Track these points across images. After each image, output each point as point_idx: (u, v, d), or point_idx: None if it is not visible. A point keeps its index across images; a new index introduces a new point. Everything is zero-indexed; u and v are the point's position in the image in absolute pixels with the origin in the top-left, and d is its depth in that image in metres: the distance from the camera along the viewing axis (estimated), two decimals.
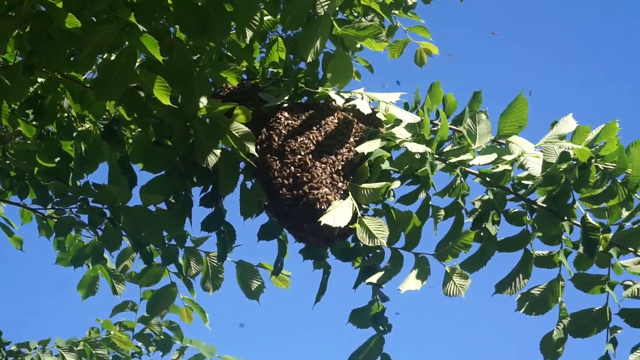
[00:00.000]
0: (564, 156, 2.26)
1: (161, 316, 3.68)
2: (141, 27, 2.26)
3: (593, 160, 2.27)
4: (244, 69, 2.77)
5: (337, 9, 2.95)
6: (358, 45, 2.55)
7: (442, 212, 2.43)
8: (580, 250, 2.28)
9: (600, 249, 2.25)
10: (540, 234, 2.39)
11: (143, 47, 2.29)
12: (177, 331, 3.85)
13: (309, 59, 2.48)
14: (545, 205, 2.38)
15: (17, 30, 2.45)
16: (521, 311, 2.38)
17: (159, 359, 4.18)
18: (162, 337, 3.90)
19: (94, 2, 2.42)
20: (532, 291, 2.38)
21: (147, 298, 3.30)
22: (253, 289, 3.00)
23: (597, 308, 2.32)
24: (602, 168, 2.31)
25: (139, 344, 4.07)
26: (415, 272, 2.39)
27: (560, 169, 2.29)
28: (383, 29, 2.91)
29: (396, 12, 3.19)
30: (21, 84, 2.45)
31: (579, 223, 2.32)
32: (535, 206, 2.39)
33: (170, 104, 2.33)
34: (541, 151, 2.33)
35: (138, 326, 3.98)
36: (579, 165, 2.27)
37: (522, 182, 2.38)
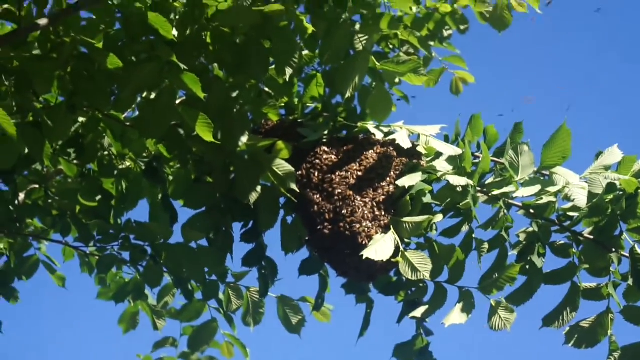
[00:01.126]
0: (611, 187, 2.23)
1: (202, 351, 3.66)
2: (182, 65, 2.28)
3: None
4: (283, 104, 2.78)
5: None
6: (397, 80, 2.55)
7: (486, 245, 2.40)
8: (630, 282, 2.24)
9: None
10: (588, 266, 2.35)
11: (184, 84, 2.32)
12: None
13: (348, 94, 2.49)
14: (591, 237, 2.34)
15: (59, 71, 2.49)
16: (570, 344, 2.34)
17: None
18: None
19: (135, 42, 2.46)
20: (581, 324, 2.34)
21: (188, 334, 3.30)
22: (294, 323, 2.99)
23: None
24: None
25: None
26: (459, 305, 2.36)
27: (607, 200, 2.26)
28: (418, 59, 2.92)
29: (432, 42, 3.19)
30: (63, 124, 2.48)
31: (627, 254, 2.28)
32: (581, 238, 2.35)
33: (213, 140, 2.34)
34: (586, 182, 2.30)
35: None
36: (626, 195, 2.24)
37: (568, 213, 2.35)
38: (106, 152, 2.93)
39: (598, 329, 2.32)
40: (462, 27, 3.06)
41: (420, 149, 2.51)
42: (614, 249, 2.31)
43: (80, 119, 2.78)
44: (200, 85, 2.29)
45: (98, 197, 2.89)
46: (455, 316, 2.34)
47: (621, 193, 2.25)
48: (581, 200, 2.28)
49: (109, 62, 2.34)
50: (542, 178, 2.41)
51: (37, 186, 3.11)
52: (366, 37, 2.51)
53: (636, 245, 2.26)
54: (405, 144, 2.45)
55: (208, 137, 2.33)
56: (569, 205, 2.34)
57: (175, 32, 2.46)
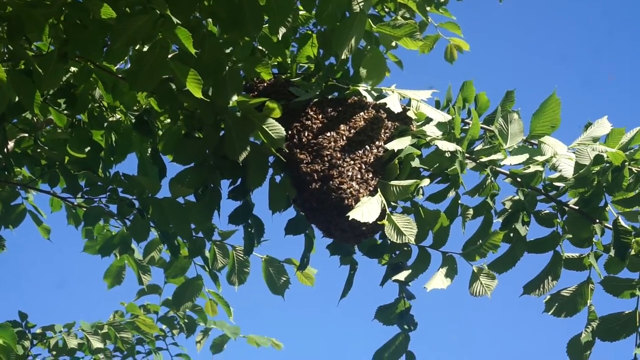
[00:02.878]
0: (598, 159, 2.24)
1: (185, 309, 3.69)
2: (175, 20, 2.27)
3: (627, 164, 2.25)
4: (276, 63, 2.77)
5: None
6: (393, 44, 2.54)
7: (471, 212, 2.41)
8: (612, 253, 2.25)
9: (632, 252, 2.23)
10: (571, 236, 2.37)
11: (177, 39, 2.30)
12: (201, 314, 3.87)
13: (344, 56, 2.48)
14: (576, 208, 2.36)
15: (52, 19, 2.47)
16: (549, 313, 2.36)
17: (183, 341, 4.21)
18: (186, 320, 3.93)
19: None
20: (561, 293, 2.36)
21: (171, 281, 3.32)
22: (278, 284, 3.01)
23: (627, 312, 2.30)
24: (635, 171, 2.28)
25: (163, 326, 4.10)
26: (442, 270, 2.38)
27: (593, 171, 2.27)
28: (415, 23, 2.91)
29: (428, 8, 3.17)
30: (54, 72, 2.47)
31: (611, 226, 2.29)
32: (566, 208, 2.37)
33: (202, 97, 2.33)
34: (574, 153, 2.31)
35: (162, 309, 4.01)
36: (612, 168, 2.25)
37: (554, 183, 2.36)
38: (97, 104, 2.92)
39: (578, 298, 2.34)
40: None
41: (410, 113, 2.51)
42: (597, 220, 2.33)
43: (72, 69, 2.76)
44: (191, 41, 2.28)
45: (87, 149, 2.88)
46: (437, 281, 2.36)
47: (608, 165, 2.26)
48: (568, 170, 2.28)
49: (102, 12, 2.32)
50: (530, 147, 2.41)
51: (26, 135, 3.11)
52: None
53: (620, 217, 2.28)
54: (396, 108, 2.45)
55: (197, 93, 2.32)
56: (555, 175, 2.35)
57: None
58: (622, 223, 2.26)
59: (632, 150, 2.27)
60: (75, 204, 3.30)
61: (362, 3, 2.49)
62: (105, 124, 2.93)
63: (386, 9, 2.98)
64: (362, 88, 2.56)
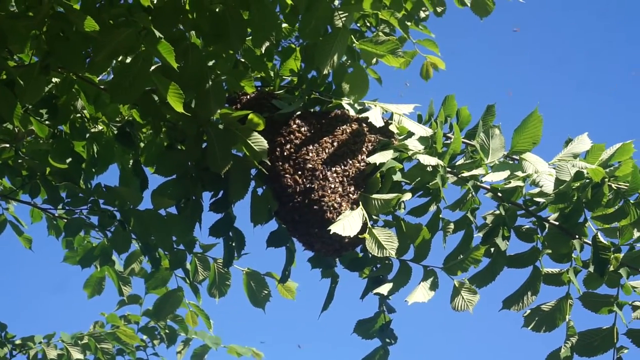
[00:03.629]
0: (578, 175, 2.26)
1: (165, 320, 3.68)
2: (157, 33, 2.27)
3: (606, 180, 2.27)
4: (259, 76, 2.78)
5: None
6: (374, 60, 2.56)
7: (452, 226, 2.42)
8: (591, 269, 2.27)
9: (611, 268, 2.25)
10: (550, 252, 2.38)
11: (159, 53, 2.30)
12: (182, 324, 3.85)
13: (326, 71, 2.49)
14: (556, 223, 2.37)
15: (34, 31, 2.46)
16: (529, 327, 2.38)
17: (164, 352, 4.19)
18: (167, 330, 3.91)
19: (112, 5, 2.44)
20: (541, 308, 2.37)
21: (152, 292, 3.30)
22: (260, 297, 3.01)
23: (605, 328, 2.31)
24: (615, 187, 2.30)
25: (144, 337, 4.08)
26: (423, 284, 2.39)
27: (573, 187, 2.29)
28: (396, 40, 2.92)
29: (408, 23, 3.19)
30: (36, 84, 2.45)
31: (590, 242, 2.31)
32: (546, 223, 2.38)
33: (183, 111, 2.33)
34: (554, 168, 2.33)
35: (143, 319, 4.00)
36: (592, 184, 2.27)
37: (534, 198, 2.38)
38: (79, 115, 2.91)
39: (557, 313, 2.35)
40: (439, 10, 3.06)
41: (392, 127, 2.52)
42: (577, 236, 2.34)
43: (55, 80, 2.75)
44: (173, 55, 2.28)
45: (69, 160, 2.87)
46: (418, 295, 2.37)
47: (588, 181, 2.28)
48: (548, 186, 2.30)
49: (85, 24, 2.32)
50: (511, 162, 2.43)
51: (7, 145, 3.09)
52: (346, 15, 2.51)
53: (599, 233, 2.30)
54: (378, 122, 2.46)
55: (178, 107, 2.32)
56: (536, 190, 2.36)
57: None
58: (601, 239, 2.28)
59: (612, 168, 2.30)
60: (56, 215, 3.28)
61: (344, 18, 2.51)
62: (87, 135, 2.92)
63: (367, 24, 2.99)
64: (345, 102, 2.57)
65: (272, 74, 2.76)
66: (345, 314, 2.85)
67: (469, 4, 3.04)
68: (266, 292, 3.08)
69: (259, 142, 2.43)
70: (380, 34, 2.87)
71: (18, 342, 3.89)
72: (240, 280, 3.05)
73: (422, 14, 3.16)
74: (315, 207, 2.35)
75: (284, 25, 2.75)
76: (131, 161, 2.83)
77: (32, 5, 2.44)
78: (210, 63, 2.56)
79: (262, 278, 3.08)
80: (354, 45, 2.52)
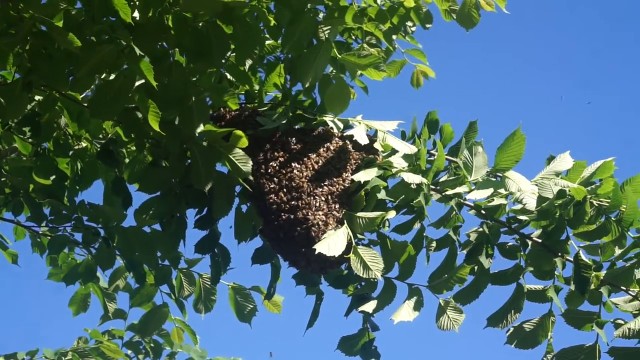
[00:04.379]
0: (561, 194, 2.27)
1: (151, 335, 3.67)
2: (138, 52, 2.26)
3: (588, 198, 2.28)
4: (243, 91, 2.77)
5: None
6: (358, 73, 2.56)
7: (434, 244, 2.43)
8: (572, 287, 2.28)
9: (592, 286, 2.25)
10: (533, 269, 2.39)
11: (139, 70, 2.30)
12: (167, 338, 3.83)
13: (307, 84, 2.49)
14: (539, 240, 2.38)
15: (16, 48, 2.45)
16: (512, 345, 2.38)
17: None
18: (152, 344, 3.89)
19: (95, 22, 2.43)
20: (524, 325, 2.38)
21: (137, 306, 3.29)
22: (245, 312, 3.00)
23: (588, 345, 2.32)
24: (596, 204, 2.31)
25: (129, 352, 4.05)
26: (408, 303, 2.39)
27: (555, 204, 2.29)
28: (380, 51, 2.93)
29: (394, 37, 3.19)
30: (19, 101, 2.45)
31: (572, 259, 2.32)
32: (529, 241, 2.39)
33: (159, 130, 2.32)
34: (537, 186, 2.34)
35: (127, 334, 3.97)
36: (574, 202, 2.27)
37: (517, 216, 2.38)
38: (62, 132, 2.90)
39: (539, 331, 2.36)
40: (427, 25, 3.06)
41: (377, 145, 2.52)
42: (559, 253, 2.35)
43: (37, 97, 2.74)
44: (152, 74, 2.28)
45: (52, 177, 2.86)
46: (404, 313, 2.37)
47: (570, 199, 2.29)
48: (531, 203, 2.31)
49: (67, 41, 2.31)
50: (494, 179, 2.44)
51: None
52: (329, 28, 2.51)
53: (580, 251, 2.30)
54: (363, 140, 2.46)
55: (155, 126, 2.32)
56: (519, 207, 2.37)
57: (137, 14, 2.44)
58: (583, 257, 2.29)
59: (593, 186, 2.30)
60: (40, 232, 3.27)
61: (328, 32, 2.51)
62: (71, 152, 2.91)
63: (353, 36, 2.99)
64: (329, 119, 2.57)
65: (256, 88, 2.76)
66: (330, 330, 2.84)
67: (454, 17, 3.05)
68: (252, 306, 3.07)
69: (242, 159, 2.42)
70: (366, 46, 2.88)
71: (1, 359, 3.86)
72: (226, 294, 3.05)
73: (410, 29, 3.16)
74: (299, 225, 2.35)
75: (268, 41, 2.75)
76: (114, 178, 2.81)
77: (14, 23, 2.43)
78: (194, 79, 2.55)
79: (248, 293, 3.08)
80: (337, 57, 2.52)
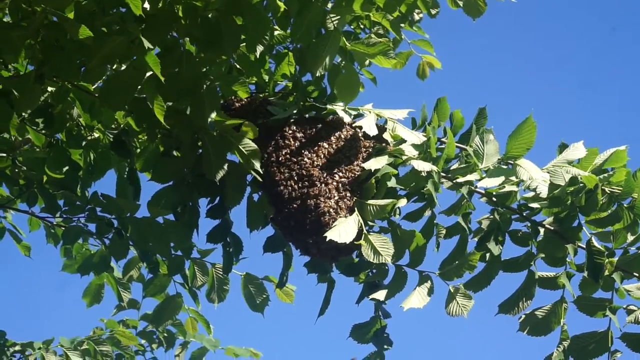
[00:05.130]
0: (573, 181, 2.26)
1: (165, 326, 3.68)
2: (147, 44, 2.27)
3: (600, 185, 2.27)
4: (253, 81, 2.78)
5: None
6: (367, 62, 2.56)
7: (444, 231, 2.43)
8: (585, 274, 2.27)
9: (606, 273, 2.24)
10: (545, 256, 2.38)
11: (146, 63, 2.31)
12: (180, 327, 3.85)
13: (318, 74, 2.49)
14: (551, 227, 2.37)
15: (28, 40, 2.47)
16: (524, 332, 2.38)
17: (162, 355, 4.19)
18: (165, 334, 3.91)
19: (105, 14, 2.44)
20: (536, 312, 2.37)
21: (150, 296, 3.31)
22: (258, 301, 3.01)
23: (600, 331, 2.31)
24: (608, 192, 2.30)
25: (142, 341, 4.08)
26: (419, 289, 2.39)
27: (567, 192, 2.28)
28: (389, 40, 2.92)
29: (402, 25, 3.18)
30: (32, 93, 2.46)
31: (584, 246, 2.31)
32: (540, 228, 2.38)
33: (163, 122, 2.34)
34: (548, 173, 2.33)
35: (141, 324, 3.99)
36: (586, 190, 2.26)
37: (529, 203, 2.38)
38: (75, 123, 2.92)
39: (552, 317, 2.35)
40: (432, 12, 3.05)
41: (386, 135, 2.52)
42: (571, 240, 2.34)
43: (50, 89, 2.76)
44: (159, 67, 2.28)
45: (65, 168, 2.88)
46: (414, 300, 2.37)
47: (581, 186, 2.28)
48: (543, 190, 2.30)
49: (80, 32, 2.32)
50: (505, 167, 2.43)
51: (4, 155, 3.09)
52: (338, 17, 2.51)
53: (593, 238, 2.29)
54: (372, 131, 2.46)
55: (161, 117, 2.34)
56: (530, 194, 2.36)
57: (147, 5, 2.45)
58: (595, 244, 2.28)
59: (606, 175, 2.29)
60: (54, 223, 3.29)
61: (336, 21, 2.51)
62: (84, 143, 2.93)
63: (361, 26, 2.99)
64: (339, 107, 2.57)
65: (266, 79, 2.76)
66: (342, 317, 2.85)
67: (461, 5, 3.04)
68: (264, 296, 3.08)
69: (253, 149, 2.43)
70: (373, 35, 2.87)
71: (17, 348, 3.90)
72: (239, 284, 3.06)
73: (416, 17, 3.15)
74: (310, 213, 2.36)
75: (277, 32, 2.75)
76: (127, 169, 2.83)
77: (26, 15, 2.45)
78: (204, 70, 2.56)
79: (260, 282, 3.08)
80: (346, 46, 2.52)
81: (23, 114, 2.71)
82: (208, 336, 3.78)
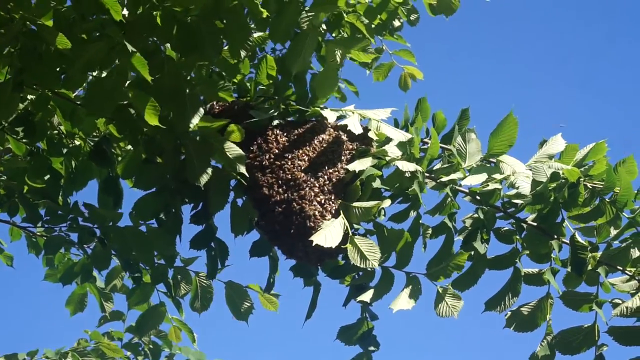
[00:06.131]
0: (554, 176, 2.28)
1: (149, 336, 3.66)
2: (130, 48, 2.26)
3: (582, 180, 2.29)
4: (235, 86, 2.78)
5: (325, 29, 2.97)
6: (338, 57, 2.54)
7: (430, 231, 2.43)
8: (569, 269, 2.29)
9: (589, 267, 2.26)
10: (529, 252, 2.40)
11: (132, 66, 2.30)
12: (166, 339, 3.82)
13: (295, 71, 2.49)
14: (534, 224, 2.39)
15: (7, 48, 2.45)
16: (511, 328, 2.39)
17: None
18: (150, 345, 3.88)
19: (84, 21, 2.43)
20: (522, 309, 2.39)
21: (135, 308, 3.28)
22: (242, 310, 2.99)
23: (586, 326, 2.32)
24: (590, 187, 2.32)
25: (128, 353, 4.04)
26: (406, 291, 2.39)
27: (550, 188, 2.31)
28: (368, 40, 2.94)
29: (383, 33, 3.21)
30: (10, 101, 2.44)
31: (568, 241, 2.33)
32: (524, 224, 2.40)
33: (158, 124, 2.33)
34: (530, 170, 2.35)
35: (126, 336, 3.96)
36: (568, 184, 2.29)
37: (512, 200, 2.39)
38: (56, 131, 2.89)
39: (538, 313, 2.37)
40: (412, 18, 3.08)
41: (371, 134, 2.53)
42: (555, 236, 2.36)
43: (30, 97, 2.74)
44: (147, 69, 2.28)
45: (46, 177, 2.86)
46: (402, 302, 2.37)
47: (564, 181, 2.30)
48: (525, 187, 2.32)
49: (57, 41, 2.31)
50: (488, 165, 2.45)
51: None
52: (312, 14, 2.52)
53: (576, 233, 2.31)
54: (357, 129, 2.47)
55: (154, 121, 2.33)
56: (513, 192, 2.38)
57: (125, 12, 2.44)
58: (579, 239, 2.30)
59: (586, 167, 2.32)
60: (36, 233, 3.26)
61: (312, 18, 2.51)
62: (65, 151, 2.91)
63: (344, 34, 3.00)
64: (322, 109, 2.57)
65: (248, 85, 2.76)
66: (329, 320, 2.85)
67: (434, 4, 3.06)
68: (248, 304, 3.06)
69: (236, 153, 2.43)
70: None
71: (1, 359, 3.85)
72: (222, 292, 3.04)
73: (396, 24, 3.18)
74: (295, 217, 2.35)
75: (256, 34, 2.75)
76: (105, 178, 2.81)
77: (4, 23, 2.43)
78: (186, 74, 2.55)
79: (244, 291, 3.06)
80: (322, 48, 2.53)
81: (3, 122, 2.69)
82: (194, 348, 3.76)
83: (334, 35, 3.15)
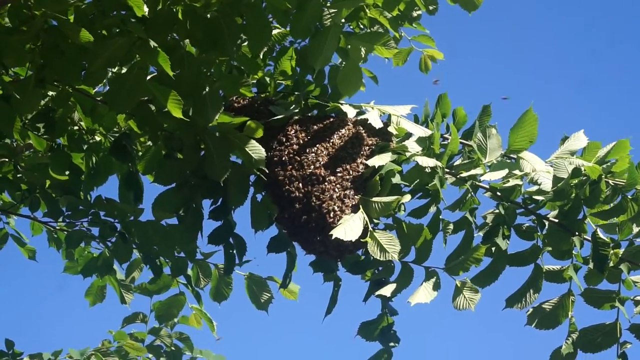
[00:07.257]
0: (576, 172, 2.26)
1: (171, 327, 3.69)
2: (152, 44, 2.27)
3: (603, 177, 2.28)
4: (254, 81, 2.78)
5: (344, 21, 2.96)
6: (362, 53, 2.54)
7: (451, 226, 2.43)
8: (591, 265, 2.28)
9: (611, 264, 2.26)
10: (551, 249, 2.39)
11: (154, 61, 2.30)
12: (187, 342, 3.85)
13: (318, 67, 2.49)
14: (556, 220, 2.38)
15: (29, 45, 2.46)
16: (532, 326, 2.38)
17: None
18: (172, 348, 3.90)
19: (105, 16, 2.44)
20: (543, 306, 2.38)
21: (154, 292, 3.32)
22: (262, 300, 3.01)
23: (608, 323, 2.32)
24: (612, 184, 2.31)
25: (150, 355, 4.07)
26: (425, 285, 2.39)
27: (571, 184, 2.29)
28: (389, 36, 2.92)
29: (402, 23, 3.18)
30: (32, 97, 2.46)
31: (590, 238, 2.32)
32: (545, 221, 2.39)
33: (182, 117, 2.33)
34: (552, 166, 2.34)
35: (148, 338, 3.98)
36: (590, 181, 2.27)
37: (533, 196, 2.38)
38: (76, 127, 2.91)
39: (559, 310, 2.36)
40: (430, 8, 3.06)
41: (391, 129, 2.52)
42: (577, 233, 2.35)
43: (51, 93, 2.76)
44: (169, 63, 2.28)
45: (67, 172, 2.87)
46: (420, 295, 2.37)
47: (585, 178, 2.29)
48: (546, 184, 2.31)
49: (80, 36, 2.32)
50: (508, 161, 2.44)
51: (6, 160, 3.09)
52: (335, 11, 2.51)
53: (598, 230, 2.30)
54: (377, 123, 2.46)
55: (178, 114, 2.32)
56: (534, 188, 2.37)
57: (146, 8, 2.44)
58: (601, 235, 2.29)
59: (608, 164, 2.30)
60: (57, 227, 3.29)
61: (334, 15, 2.50)
62: (85, 147, 2.92)
63: (361, 26, 2.99)
64: (343, 105, 2.57)
65: (267, 79, 2.76)
66: (349, 316, 2.86)
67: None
68: (268, 295, 3.08)
69: (256, 149, 2.43)
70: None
71: (25, 359, 3.89)
72: (242, 285, 3.06)
73: (415, 14, 3.15)
74: (315, 212, 2.36)
75: (277, 30, 2.75)
76: (126, 173, 2.82)
77: (26, 20, 2.44)
78: (206, 70, 2.56)
79: (263, 281, 3.09)
80: (344, 44, 2.52)
81: (24, 118, 2.71)
82: (214, 352, 3.79)
83: (351, 27, 3.14)
